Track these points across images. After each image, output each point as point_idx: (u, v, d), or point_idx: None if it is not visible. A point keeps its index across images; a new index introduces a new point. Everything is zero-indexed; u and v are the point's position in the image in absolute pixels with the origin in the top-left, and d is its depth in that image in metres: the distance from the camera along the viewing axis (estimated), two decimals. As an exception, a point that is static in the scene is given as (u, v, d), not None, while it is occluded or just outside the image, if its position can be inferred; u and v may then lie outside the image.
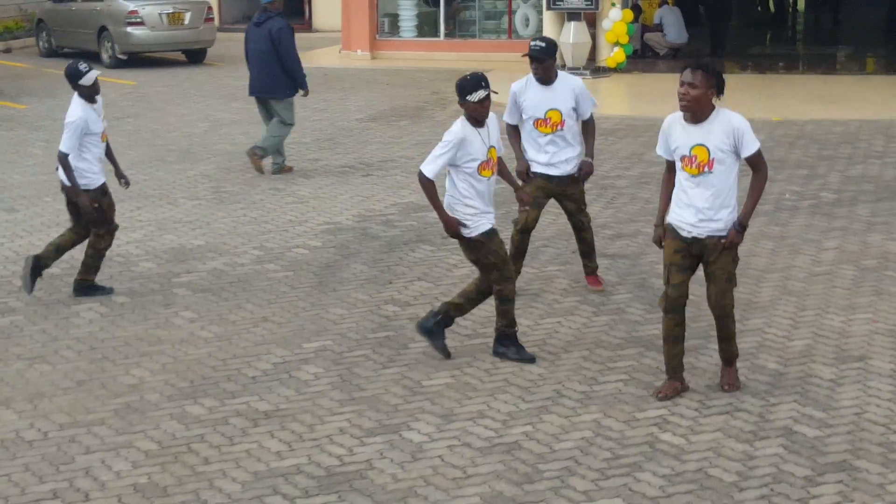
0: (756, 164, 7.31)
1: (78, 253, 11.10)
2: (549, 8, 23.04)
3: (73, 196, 9.70)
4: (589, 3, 22.57)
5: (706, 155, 7.20)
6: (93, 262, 9.89)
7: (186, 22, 26.21)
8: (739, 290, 9.64)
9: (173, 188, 13.86)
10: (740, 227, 7.32)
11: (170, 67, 25.92)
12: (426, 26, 27.28)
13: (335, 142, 16.70)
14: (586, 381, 7.92)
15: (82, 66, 9.63)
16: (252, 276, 10.39)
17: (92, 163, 9.74)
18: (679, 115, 7.33)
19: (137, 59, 25.90)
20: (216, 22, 28.50)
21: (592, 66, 23.04)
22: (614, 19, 22.76)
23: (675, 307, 7.47)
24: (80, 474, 6.72)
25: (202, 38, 26.63)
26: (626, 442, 6.99)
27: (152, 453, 6.96)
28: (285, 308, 9.51)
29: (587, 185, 13.53)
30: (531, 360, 8.21)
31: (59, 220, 12.36)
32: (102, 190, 9.79)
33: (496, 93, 8.01)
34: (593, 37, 23.05)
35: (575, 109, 9.39)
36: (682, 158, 7.31)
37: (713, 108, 7.24)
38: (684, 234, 7.38)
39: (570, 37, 22.49)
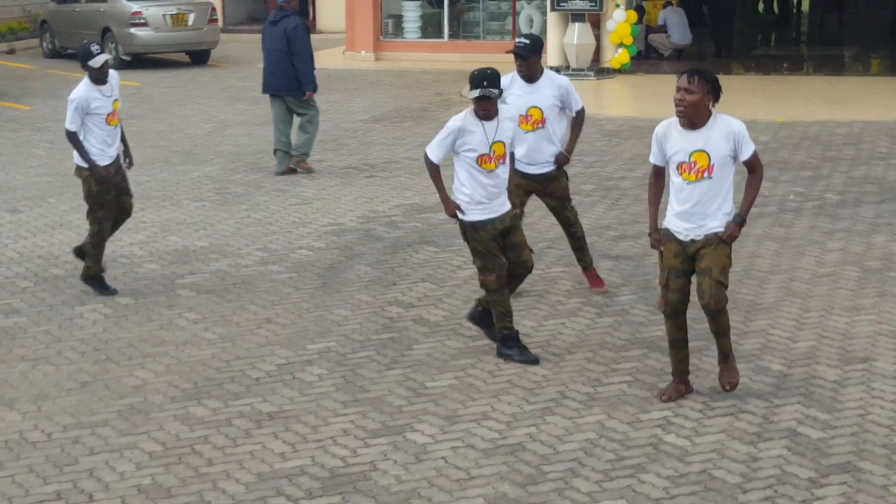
0: (753, 166, 7.32)
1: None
2: (553, 9, 23.04)
3: (90, 172, 9.76)
4: (593, 4, 22.58)
5: (707, 161, 7.18)
6: (89, 249, 9.94)
7: (190, 23, 26.23)
8: (743, 291, 9.66)
9: (177, 189, 13.87)
10: (741, 220, 7.31)
11: (173, 68, 25.94)
12: (430, 27, 27.28)
13: (339, 143, 16.70)
14: (590, 382, 7.91)
15: (94, 47, 9.77)
16: (256, 277, 10.39)
17: (93, 144, 9.78)
18: (674, 121, 7.30)
19: (141, 61, 25.92)
20: (220, 23, 28.52)
21: (596, 68, 23.03)
22: (618, 20, 22.75)
23: (675, 311, 7.46)
24: (84, 475, 6.72)
25: (206, 40, 26.65)
26: (630, 443, 6.98)
27: (156, 454, 6.96)
28: (289, 309, 9.51)
29: (590, 187, 13.59)
30: (535, 361, 8.21)
31: (62, 221, 12.37)
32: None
33: (496, 92, 7.99)
34: (597, 38, 23.04)
35: (560, 108, 9.36)
36: (680, 165, 7.27)
37: (710, 113, 7.22)
38: (681, 237, 7.37)
39: (574, 38, 22.49)
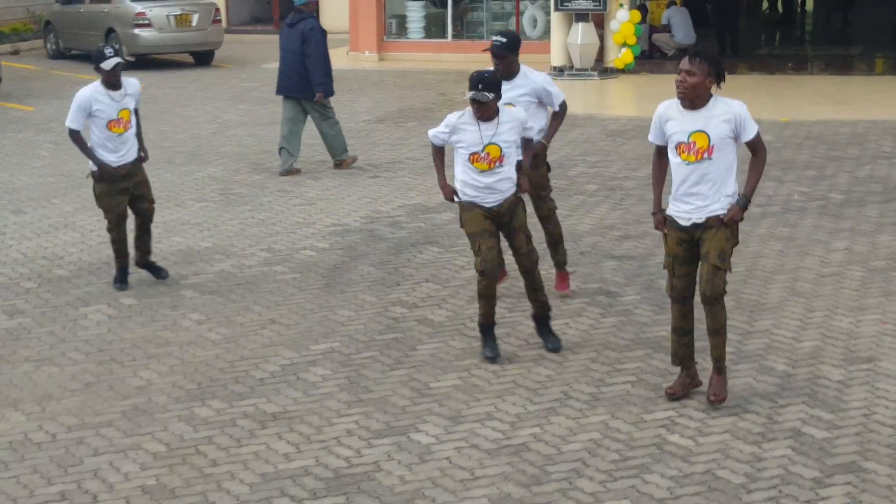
0: (756, 147, 7.30)
1: (87, 255, 11.15)
2: (556, 9, 23.04)
3: (98, 171, 9.86)
4: (597, 3, 22.59)
5: (706, 141, 7.17)
6: (112, 246, 10.10)
7: (194, 24, 26.25)
8: (747, 291, 9.65)
9: (181, 190, 13.87)
10: (743, 203, 7.26)
11: (177, 69, 25.95)
12: (434, 28, 27.30)
13: (343, 143, 16.68)
14: (594, 382, 7.91)
15: (108, 50, 9.77)
16: (260, 277, 10.40)
17: (93, 148, 9.80)
18: (675, 101, 7.30)
19: (145, 61, 25.93)
20: (223, 24, 28.53)
21: (600, 67, 23.04)
22: (622, 20, 22.76)
23: (682, 297, 7.45)
24: (88, 476, 6.72)
25: (210, 40, 26.66)
26: (634, 443, 6.98)
27: (160, 455, 6.96)
28: (293, 310, 9.51)
29: (594, 187, 13.58)
30: (489, 359, 8.25)
31: (66, 222, 12.38)
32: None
33: (489, 96, 7.99)
34: (601, 38, 23.05)
35: (536, 103, 9.24)
36: (679, 145, 7.25)
37: (711, 95, 7.22)
38: (683, 222, 7.34)
39: (578, 38, 22.51)
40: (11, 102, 20.96)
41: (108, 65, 9.66)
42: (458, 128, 8.16)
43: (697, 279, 7.40)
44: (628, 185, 13.63)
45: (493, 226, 8.25)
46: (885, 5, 29.77)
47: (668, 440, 7.01)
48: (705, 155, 7.19)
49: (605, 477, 6.58)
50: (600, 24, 23.16)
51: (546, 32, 25.05)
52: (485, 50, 9.31)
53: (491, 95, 8.00)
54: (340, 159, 14.95)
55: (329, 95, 14.71)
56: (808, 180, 13.76)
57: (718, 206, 7.25)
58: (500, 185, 8.18)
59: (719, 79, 7.19)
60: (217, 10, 26.94)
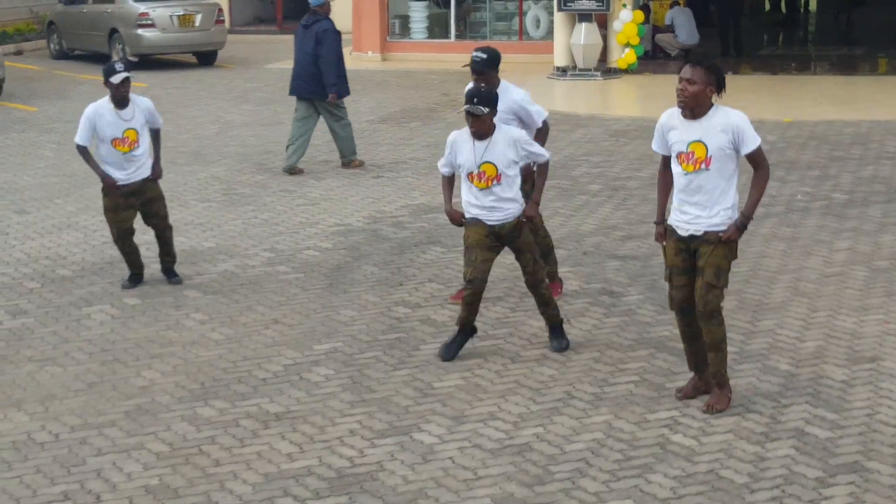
0: (757, 161, 7.18)
1: (90, 255, 11.16)
2: (559, 9, 23.04)
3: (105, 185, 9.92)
4: (600, 4, 22.59)
5: (704, 152, 7.12)
6: (123, 258, 10.20)
7: (197, 24, 26.27)
8: (751, 290, 9.65)
9: (184, 190, 13.88)
10: (742, 223, 7.20)
11: (180, 69, 25.97)
12: (437, 28, 27.30)
13: (346, 143, 16.68)
14: (597, 382, 7.91)
15: (118, 65, 9.78)
16: (263, 277, 10.40)
17: (102, 162, 9.82)
18: (676, 110, 7.27)
19: (148, 61, 25.96)
20: (227, 24, 28.54)
21: (603, 68, 23.04)
22: (625, 20, 22.76)
23: (681, 308, 7.43)
24: (91, 476, 6.73)
25: (213, 41, 26.68)
26: (637, 443, 6.98)
27: (163, 455, 6.96)
28: (296, 310, 9.51)
29: (597, 187, 13.58)
30: (444, 358, 8.29)
31: (70, 223, 12.39)
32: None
33: (484, 110, 7.97)
34: (604, 38, 23.05)
35: (512, 119, 9.03)
36: (679, 155, 7.23)
37: (712, 105, 7.16)
38: (682, 232, 7.32)
39: (581, 38, 22.51)
40: (15, 103, 20.97)
41: (116, 79, 9.64)
42: (457, 142, 8.19)
43: (695, 293, 7.35)
44: (631, 185, 13.62)
45: (495, 242, 8.27)
46: (888, 5, 29.74)
47: (671, 440, 7.00)
48: (703, 165, 7.13)
49: (608, 477, 6.58)
50: (603, 24, 23.16)
51: (549, 33, 25.05)
52: (465, 66, 9.26)
53: (486, 109, 7.99)
54: (349, 160, 14.99)
55: (343, 96, 14.78)
56: (812, 180, 13.76)
57: (718, 219, 7.18)
58: (503, 204, 8.16)
59: (720, 87, 7.13)
60: (220, 10, 26.96)
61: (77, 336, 9.03)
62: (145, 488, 6.57)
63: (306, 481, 6.61)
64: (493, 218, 8.18)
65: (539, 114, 9.20)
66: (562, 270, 10.33)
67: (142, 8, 25.80)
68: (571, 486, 6.49)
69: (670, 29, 24.24)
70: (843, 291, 9.69)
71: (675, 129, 7.25)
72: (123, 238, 10.01)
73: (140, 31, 25.71)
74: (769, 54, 26.91)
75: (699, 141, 7.12)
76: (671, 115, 7.31)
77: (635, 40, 22.94)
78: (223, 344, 8.79)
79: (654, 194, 7.69)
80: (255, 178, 14.52)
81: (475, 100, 7.98)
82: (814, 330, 8.81)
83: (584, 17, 22.64)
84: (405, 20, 27.41)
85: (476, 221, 8.22)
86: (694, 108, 7.12)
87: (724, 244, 7.19)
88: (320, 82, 14.58)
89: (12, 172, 15.08)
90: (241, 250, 11.27)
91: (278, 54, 27.29)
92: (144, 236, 11.22)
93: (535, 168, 8.68)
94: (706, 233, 7.20)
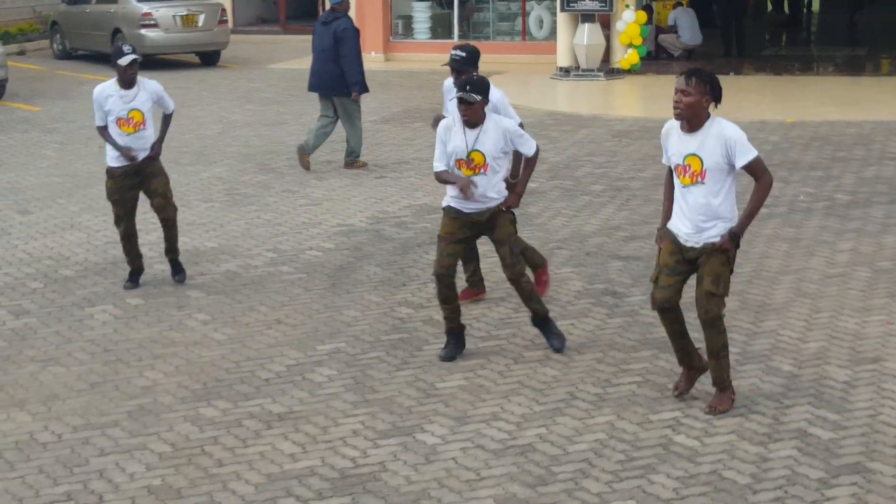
0: (755, 172, 7.11)
1: (93, 255, 11.16)
2: (562, 9, 23.04)
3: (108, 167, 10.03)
4: (603, 4, 22.58)
5: (699, 165, 7.09)
6: (121, 245, 10.26)
7: (200, 24, 26.26)
8: (753, 291, 9.65)
9: (187, 190, 13.88)
10: (734, 236, 7.15)
11: (183, 69, 25.96)
12: (440, 28, 27.29)
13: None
14: (600, 383, 7.91)
15: (126, 47, 9.87)
16: (265, 278, 10.40)
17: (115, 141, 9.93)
18: (677, 122, 7.25)
19: (151, 62, 25.92)
20: (230, 24, 28.54)
21: (606, 68, 23.03)
22: (628, 21, 22.75)
23: (662, 309, 7.38)
24: (94, 476, 6.73)
25: (216, 41, 26.67)
26: (640, 444, 6.98)
27: (166, 455, 6.97)
28: (299, 310, 9.51)
29: (600, 187, 13.57)
30: (445, 358, 8.31)
31: (72, 222, 12.40)
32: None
33: (476, 98, 8.00)
34: (607, 38, 23.05)
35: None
36: (677, 168, 7.21)
37: (708, 116, 7.12)
38: (682, 240, 7.31)
39: (584, 38, 22.49)
40: (18, 102, 20.97)
41: (124, 61, 9.74)
42: (448, 128, 8.22)
43: (695, 301, 7.34)
44: (634, 185, 13.62)
45: (468, 234, 8.31)
46: (891, 6, 29.73)
47: (673, 441, 7.00)
48: (699, 179, 7.11)
49: (610, 477, 6.58)
50: (606, 24, 23.16)
51: (552, 33, 25.04)
52: (444, 64, 9.33)
53: (478, 97, 8.02)
54: (352, 160, 15.03)
55: (363, 93, 14.85)
56: (814, 181, 13.75)
57: (715, 231, 7.17)
58: (485, 192, 8.19)
59: (717, 98, 7.09)
60: (223, 10, 26.95)
61: (80, 336, 9.04)
62: (148, 488, 6.57)
63: (309, 482, 6.61)
64: (470, 206, 8.20)
65: (513, 117, 9.11)
66: (564, 271, 10.34)
67: (145, 8, 25.80)
68: (574, 486, 6.49)
69: (673, 29, 24.22)
70: (846, 292, 9.69)
71: (672, 141, 7.24)
72: (125, 218, 10.04)
73: (143, 31, 25.70)
74: (772, 55, 26.89)
75: (695, 154, 7.11)
76: (671, 127, 7.30)
77: (638, 41, 22.93)
78: (226, 344, 8.79)
79: (658, 195, 7.72)
80: (258, 178, 14.52)
81: (468, 87, 8.02)
82: (816, 331, 8.81)
83: (587, 17, 22.63)
84: (408, 20, 27.40)
85: (452, 210, 8.28)
86: (690, 118, 7.09)
87: (721, 252, 7.18)
88: (338, 79, 14.66)
89: (15, 172, 15.09)
90: (244, 250, 11.27)
91: (281, 54, 27.30)
92: (147, 236, 11.25)
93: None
94: (704, 245, 7.20)
